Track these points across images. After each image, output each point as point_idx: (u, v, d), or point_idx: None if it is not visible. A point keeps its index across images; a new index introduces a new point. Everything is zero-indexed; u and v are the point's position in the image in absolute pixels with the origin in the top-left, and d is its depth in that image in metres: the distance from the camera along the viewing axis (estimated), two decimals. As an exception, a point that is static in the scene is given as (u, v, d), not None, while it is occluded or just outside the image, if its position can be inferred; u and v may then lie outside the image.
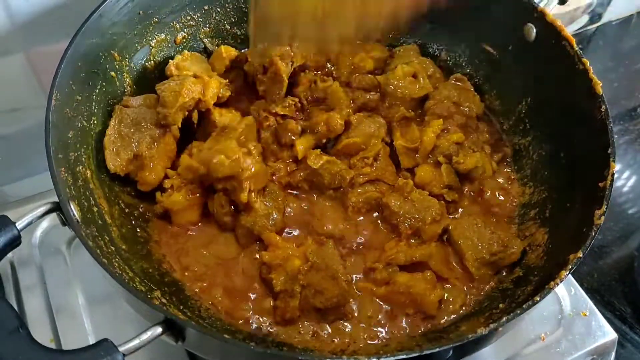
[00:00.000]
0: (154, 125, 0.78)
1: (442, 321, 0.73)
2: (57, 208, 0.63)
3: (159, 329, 0.56)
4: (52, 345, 0.77)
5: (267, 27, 0.74)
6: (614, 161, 0.70)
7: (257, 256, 0.75)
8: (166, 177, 0.78)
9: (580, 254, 0.64)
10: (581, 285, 0.87)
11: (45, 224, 0.86)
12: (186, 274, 0.75)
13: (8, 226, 0.59)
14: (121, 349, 0.54)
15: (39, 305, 0.81)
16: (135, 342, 0.55)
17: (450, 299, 0.74)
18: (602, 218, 0.66)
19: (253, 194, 0.75)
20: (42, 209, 0.62)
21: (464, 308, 0.74)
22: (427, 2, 0.75)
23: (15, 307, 0.64)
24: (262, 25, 0.75)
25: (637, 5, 1.39)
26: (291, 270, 0.71)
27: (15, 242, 0.59)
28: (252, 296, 0.73)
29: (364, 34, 0.77)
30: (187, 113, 0.79)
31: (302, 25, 0.73)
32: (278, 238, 0.75)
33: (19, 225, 0.60)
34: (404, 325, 0.73)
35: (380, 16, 0.74)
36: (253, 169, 0.74)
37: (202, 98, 0.79)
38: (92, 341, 0.78)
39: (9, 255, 0.66)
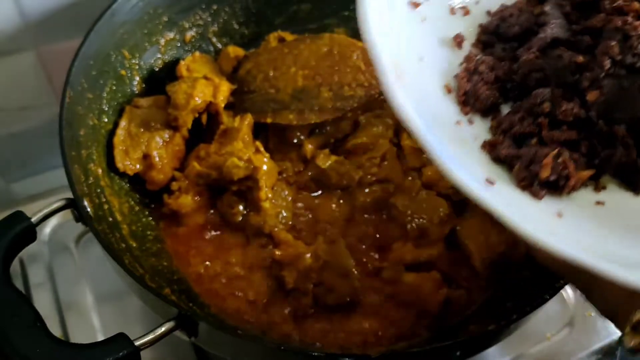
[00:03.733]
0: (163, 126, 0.79)
1: (450, 320, 0.74)
2: (71, 204, 0.63)
3: (173, 324, 0.57)
4: (62, 340, 0.78)
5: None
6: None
7: (267, 254, 0.76)
8: (174, 178, 0.79)
9: (588, 253, 0.64)
10: (585, 285, 0.88)
11: (54, 220, 0.86)
12: (194, 273, 0.76)
13: (24, 221, 0.59)
14: (136, 343, 0.54)
15: (48, 302, 0.82)
16: (150, 336, 0.55)
17: (457, 298, 0.75)
18: (611, 217, 0.66)
19: (269, 191, 0.76)
20: (57, 205, 0.63)
21: (471, 307, 0.75)
22: None
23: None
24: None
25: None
26: (303, 268, 0.71)
27: (30, 236, 0.60)
28: (262, 294, 0.74)
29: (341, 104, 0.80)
30: (197, 115, 0.79)
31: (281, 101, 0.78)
32: (289, 236, 0.75)
33: (34, 219, 0.60)
34: (412, 323, 0.73)
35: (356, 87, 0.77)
36: (265, 167, 0.75)
37: (213, 101, 0.79)
38: (101, 337, 0.79)
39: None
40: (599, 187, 0.48)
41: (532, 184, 0.46)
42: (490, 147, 0.49)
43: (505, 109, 0.52)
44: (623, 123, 0.45)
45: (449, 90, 0.52)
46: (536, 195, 0.45)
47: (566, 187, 0.45)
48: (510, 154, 0.47)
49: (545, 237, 0.39)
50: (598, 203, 0.47)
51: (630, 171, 0.46)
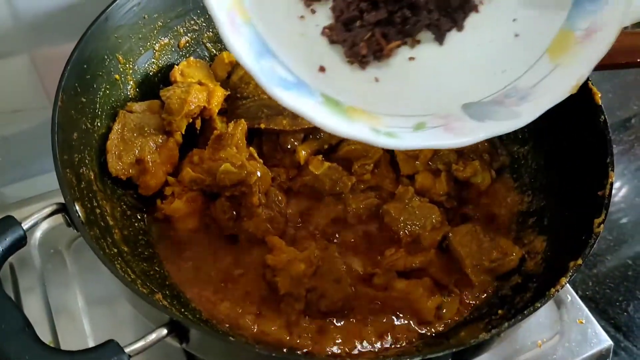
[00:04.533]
0: (157, 131, 0.79)
1: (441, 327, 0.74)
2: (62, 209, 0.63)
3: (165, 331, 0.57)
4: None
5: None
6: (613, 170, 0.71)
7: (260, 260, 0.76)
8: (167, 183, 0.79)
9: (580, 261, 0.65)
10: (576, 293, 0.88)
11: (45, 225, 0.86)
12: (186, 278, 0.75)
13: (14, 226, 0.59)
14: (127, 349, 0.54)
15: (38, 307, 0.81)
16: (141, 343, 0.55)
17: (449, 306, 0.75)
18: (602, 226, 0.67)
19: (262, 197, 0.76)
20: (48, 210, 0.62)
21: (462, 314, 0.75)
22: None
23: (16, 308, 0.63)
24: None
25: (631, 17, 1.41)
26: (296, 273, 0.71)
27: (21, 242, 0.59)
28: (254, 299, 0.74)
29: None
30: (191, 120, 0.79)
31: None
32: (282, 242, 0.75)
33: (25, 225, 0.60)
34: (403, 330, 0.73)
35: None
36: (259, 173, 0.75)
37: (207, 106, 0.79)
38: (91, 343, 0.79)
39: (8, 256, 0.66)
40: (413, 43, 0.61)
41: (357, 59, 0.59)
42: (327, 33, 0.60)
43: None
44: None
45: None
46: (362, 66, 0.59)
47: (383, 57, 0.59)
48: (340, 38, 0.59)
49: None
50: (411, 59, 0.60)
51: (435, 28, 0.60)
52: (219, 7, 0.52)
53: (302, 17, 0.60)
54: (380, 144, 0.53)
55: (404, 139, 0.53)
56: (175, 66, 0.84)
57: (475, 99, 0.56)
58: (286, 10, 0.60)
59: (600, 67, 0.72)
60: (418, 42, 0.60)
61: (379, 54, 0.59)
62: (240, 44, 0.52)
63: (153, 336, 0.56)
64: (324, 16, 0.61)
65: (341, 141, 0.85)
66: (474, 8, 0.60)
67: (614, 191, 1.14)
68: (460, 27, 0.60)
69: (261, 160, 0.79)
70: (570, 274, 0.64)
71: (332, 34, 0.59)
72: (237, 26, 0.53)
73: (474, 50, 0.60)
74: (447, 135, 0.53)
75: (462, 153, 0.85)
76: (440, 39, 0.60)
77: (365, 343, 0.72)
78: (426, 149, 0.83)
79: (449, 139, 0.52)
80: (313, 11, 0.61)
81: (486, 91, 0.57)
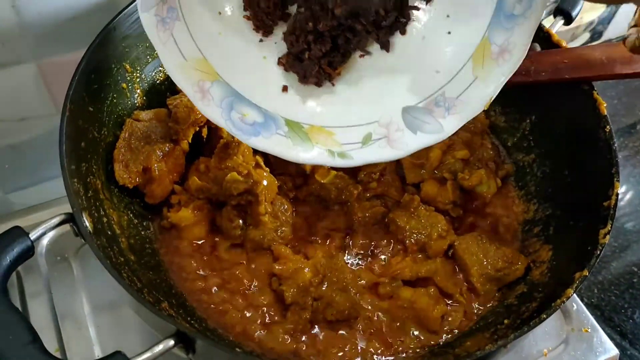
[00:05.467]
0: (163, 139, 0.79)
1: (447, 336, 0.74)
2: (70, 219, 0.63)
3: (171, 342, 0.57)
4: (58, 355, 0.77)
5: None
6: (618, 181, 0.71)
7: (266, 269, 0.76)
8: (173, 192, 0.79)
9: (586, 272, 0.65)
10: (581, 300, 0.88)
11: (52, 232, 0.85)
12: (192, 287, 0.75)
13: (22, 237, 0.59)
14: (134, 361, 0.54)
15: (44, 314, 0.81)
16: (147, 354, 0.55)
17: (455, 315, 0.75)
18: (607, 237, 0.67)
19: (268, 205, 0.76)
20: (56, 220, 0.63)
21: (468, 323, 0.75)
22: None
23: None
24: None
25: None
26: (302, 282, 0.71)
27: (28, 253, 0.60)
28: (261, 309, 0.74)
29: None
30: (197, 128, 0.80)
31: None
32: (288, 250, 0.75)
33: (33, 236, 0.60)
34: (409, 339, 0.73)
35: None
36: (265, 182, 0.75)
37: (214, 114, 0.79)
38: (97, 351, 0.79)
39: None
40: (364, 54, 0.69)
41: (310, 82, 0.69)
42: (282, 62, 0.69)
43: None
44: (359, 19, 0.65)
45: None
46: (317, 86, 0.69)
47: (333, 80, 0.69)
48: (293, 69, 0.68)
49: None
50: (361, 56, 0.69)
51: (381, 41, 0.68)
52: (187, 83, 0.66)
53: (264, 57, 0.69)
54: (337, 165, 0.64)
55: (354, 158, 0.64)
56: (182, 75, 0.84)
57: (412, 102, 0.65)
58: (246, 52, 0.69)
59: (601, 77, 0.75)
60: (369, 53, 0.69)
61: (329, 77, 0.68)
62: (213, 110, 0.65)
63: (160, 347, 0.56)
64: (280, 47, 0.69)
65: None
66: (408, 18, 0.67)
67: (619, 196, 1.15)
68: (403, 32, 0.67)
69: (267, 169, 0.79)
70: (576, 285, 0.64)
71: (287, 65, 0.69)
72: (207, 91, 0.66)
73: (413, 48, 0.67)
74: (388, 149, 0.63)
75: (467, 162, 0.85)
76: (386, 47, 0.68)
77: (371, 351, 0.72)
78: (432, 158, 0.84)
79: (389, 153, 0.63)
80: (263, 40, 0.70)
81: (421, 94, 0.65)
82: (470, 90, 0.63)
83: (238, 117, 0.65)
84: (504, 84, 0.63)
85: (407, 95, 0.65)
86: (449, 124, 0.63)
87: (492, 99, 0.63)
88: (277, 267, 0.74)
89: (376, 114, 0.66)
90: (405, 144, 0.63)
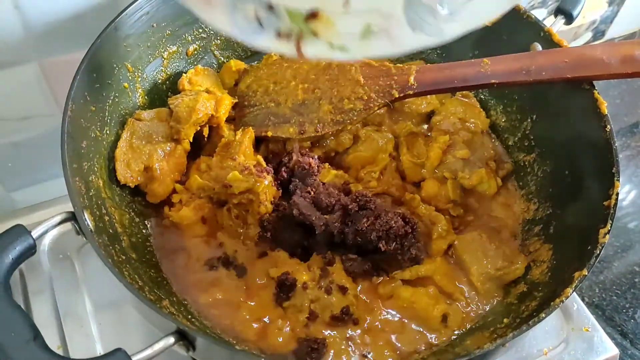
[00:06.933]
0: (165, 139, 0.80)
1: (447, 335, 0.74)
2: (72, 217, 0.63)
3: (172, 339, 0.57)
4: (60, 352, 0.78)
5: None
6: (619, 180, 0.71)
7: (264, 271, 0.76)
8: (174, 191, 0.79)
9: (585, 272, 0.65)
10: (582, 300, 0.88)
11: (54, 231, 0.86)
12: (192, 286, 0.76)
13: (24, 235, 0.60)
14: (134, 358, 0.54)
15: (46, 312, 0.82)
16: (148, 351, 0.56)
17: (454, 314, 0.75)
18: (607, 237, 0.67)
19: (268, 204, 0.76)
20: (57, 218, 0.63)
21: (468, 323, 0.75)
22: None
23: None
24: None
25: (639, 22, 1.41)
26: (300, 283, 0.71)
27: (30, 251, 0.60)
28: (259, 309, 0.74)
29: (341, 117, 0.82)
30: (198, 128, 0.80)
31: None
32: (285, 254, 0.75)
33: (35, 234, 0.61)
34: (409, 338, 0.74)
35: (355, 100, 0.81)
36: (266, 181, 0.75)
37: (214, 114, 0.80)
38: (99, 348, 0.79)
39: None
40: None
41: None
42: None
43: None
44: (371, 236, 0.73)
45: None
46: None
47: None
48: None
49: None
50: None
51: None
52: None
53: None
54: (335, 58, 0.60)
55: (354, 52, 0.59)
56: (184, 74, 0.84)
57: None
58: None
59: (602, 77, 0.75)
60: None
61: None
62: (221, 19, 0.60)
63: (160, 344, 0.57)
64: None
65: (348, 148, 0.85)
66: None
67: (621, 196, 1.15)
68: None
69: (270, 169, 0.79)
70: (576, 284, 0.64)
71: None
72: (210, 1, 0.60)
73: None
74: (387, 45, 0.60)
75: (468, 161, 0.85)
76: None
77: (369, 352, 0.72)
78: (432, 157, 0.84)
79: (388, 49, 0.59)
80: None
81: None
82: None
83: (241, 16, 0.60)
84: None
85: None
86: (450, 30, 0.59)
87: (501, 15, 0.57)
88: (273, 271, 0.74)
89: (377, 1, 0.60)
90: (403, 40, 0.60)
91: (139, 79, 0.83)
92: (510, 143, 0.90)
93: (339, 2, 0.60)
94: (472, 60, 0.81)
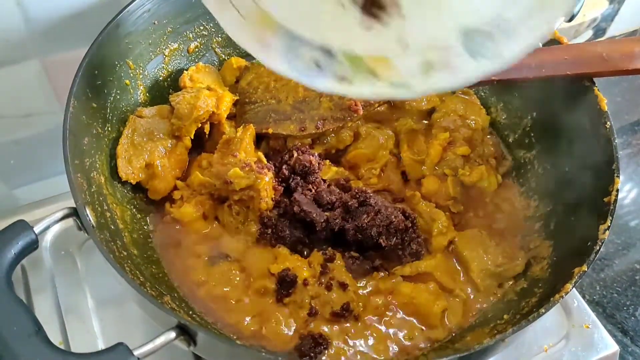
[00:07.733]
0: (166, 136, 0.80)
1: (447, 331, 0.74)
2: (73, 213, 0.64)
3: (173, 334, 0.57)
4: (62, 347, 0.78)
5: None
6: (619, 177, 0.71)
7: (264, 267, 0.76)
8: (175, 188, 0.80)
9: (585, 268, 0.65)
10: (583, 297, 0.88)
11: (56, 227, 0.86)
12: (193, 281, 0.76)
13: (26, 230, 0.60)
14: (136, 352, 0.55)
15: (48, 308, 0.82)
16: (150, 346, 0.56)
17: (454, 310, 0.75)
18: (607, 233, 0.67)
19: (269, 201, 0.77)
20: (59, 214, 0.63)
21: (468, 319, 0.75)
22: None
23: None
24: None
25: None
26: (300, 280, 0.72)
27: (32, 246, 0.61)
28: (259, 304, 0.74)
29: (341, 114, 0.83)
30: (200, 125, 0.80)
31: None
32: (286, 250, 0.76)
33: (37, 229, 0.61)
34: (409, 334, 0.74)
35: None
36: (267, 177, 0.75)
37: (215, 111, 0.80)
38: (100, 344, 0.80)
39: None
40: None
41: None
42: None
43: None
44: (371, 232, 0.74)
45: None
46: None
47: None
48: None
49: None
50: None
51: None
52: (248, 40, 0.63)
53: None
54: (398, 97, 0.63)
55: (416, 88, 0.60)
56: (185, 71, 0.85)
57: (473, 23, 0.58)
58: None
59: (602, 73, 0.75)
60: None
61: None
62: (278, 61, 0.62)
63: (161, 339, 0.57)
64: None
65: (348, 146, 0.85)
66: None
67: (622, 194, 1.15)
68: None
69: (270, 166, 0.79)
70: (575, 280, 0.65)
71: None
72: (267, 44, 0.62)
73: None
74: (449, 76, 0.59)
75: (468, 158, 0.85)
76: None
77: (370, 347, 0.72)
78: (433, 154, 0.84)
79: (450, 80, 0.59)
80: None
81: (483, 13, 0.58)
82: (534, 14, 0.56)
83: (300, 63, 0.61)
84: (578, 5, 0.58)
85: (466, 13, 0.58)
86: (509, 51, 0.57)
87: (558, 25, 0.55)
88: (274, 267, 0.74)
89: (434, 36, 0.59)
90: (463, 69, 0.59)
91: (141, 76, 0.83)
92: (510, 140, 0.90)
93: (398, 46, 0.60)
94: (473, 58, 0.81)
